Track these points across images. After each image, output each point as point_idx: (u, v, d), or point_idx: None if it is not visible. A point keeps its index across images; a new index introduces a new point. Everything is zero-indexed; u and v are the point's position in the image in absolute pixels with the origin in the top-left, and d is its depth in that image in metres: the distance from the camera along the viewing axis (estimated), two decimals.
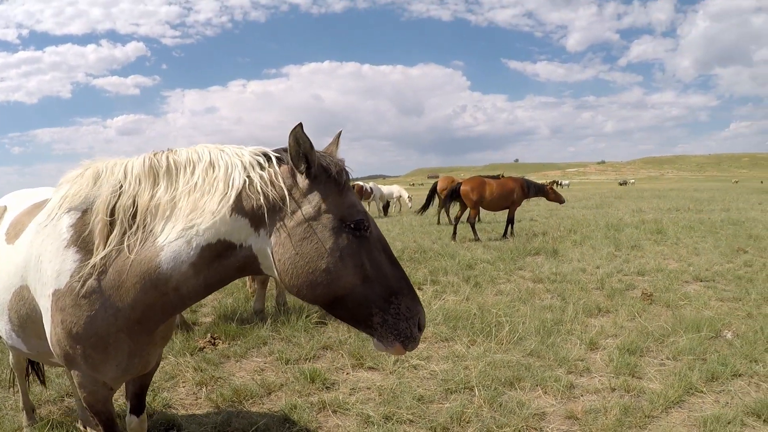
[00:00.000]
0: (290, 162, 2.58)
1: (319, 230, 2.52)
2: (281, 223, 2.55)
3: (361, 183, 32.45)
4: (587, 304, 8.52)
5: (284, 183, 2.58)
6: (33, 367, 5.08)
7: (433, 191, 23.75)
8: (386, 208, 32.63)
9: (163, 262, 2.61)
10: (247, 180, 2.59)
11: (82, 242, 2.79)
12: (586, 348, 6.63)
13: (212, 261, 2.62)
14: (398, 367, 6.07)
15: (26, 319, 3.19)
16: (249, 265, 2.69)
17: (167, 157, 2.75)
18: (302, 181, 2.59)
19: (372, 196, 32.00)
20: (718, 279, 10.43)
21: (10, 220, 3.56)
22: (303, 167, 2.56)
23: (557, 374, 5.77)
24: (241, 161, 2.65)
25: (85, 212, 2.85)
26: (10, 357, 4.84)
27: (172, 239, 2.60)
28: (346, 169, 2.70)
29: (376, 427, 4.74)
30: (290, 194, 2.57)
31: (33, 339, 3.27)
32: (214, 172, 2.64)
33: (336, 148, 2.88)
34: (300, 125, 2.44)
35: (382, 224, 24.56)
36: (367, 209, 25.66)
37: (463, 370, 5.93)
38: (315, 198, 2.56)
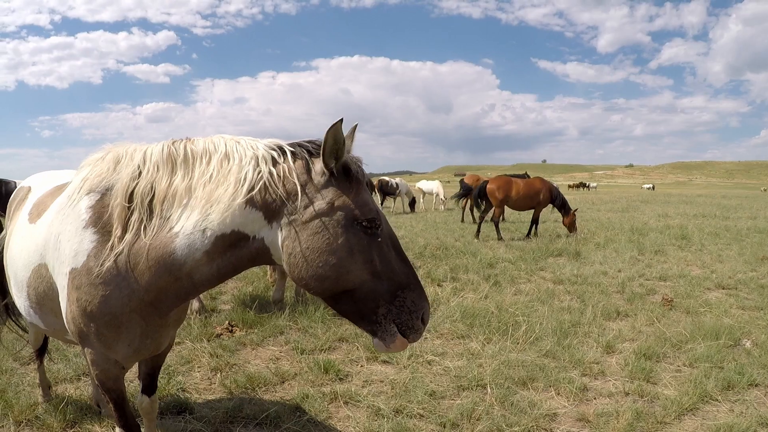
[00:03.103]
0: (321, 157, 2.59)
1: (331, 226, 2.55)
2: (294, 217, 2.59)
3: (387, 178, 32.39)
4: (606, 308, 8.47)
5: (298, 178, 2.62)
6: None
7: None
8: (413, 204, 32.40)
9: (178, 249, 2.67)
10: (259, 174, 2.63)
11: (100, 224, 2.86)
12: (602, 351, 6.59)
13: (225, 250, 2.68)
14: (412, 362, 6.09)
15: (43, 297, 3.28)
16: (261, 257, 2.74)
17: (185, 146, 2.81)
18: (317, 176, 2.62)
19: (398, 191, 31.88)
20: (740, 287, 10.30)
21: (34, 200, 3.67)
22: (333, 164, 2.59)
23: (571, 376, 5.75)
24: (255, 154, 2.69)
25: (104, 195, 2.92)
26: (30, 335, 4.94)
27: (188, 228, 2.66)
28: (362, 167, 2.74)
29: (385, 420, 4.76)
30: (304, 190, 2.60)
31: (50, 316, 3.36)
32: (228, 164, 2.69)
33: (351, 142, 2.87)
34: (340, 121, 2.48)
35: (407, 220, 24.54)
36: (393, 205, 25.56)
37: (477, 367, 5.93)
38: (329, 194, 2.59)
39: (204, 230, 2.63)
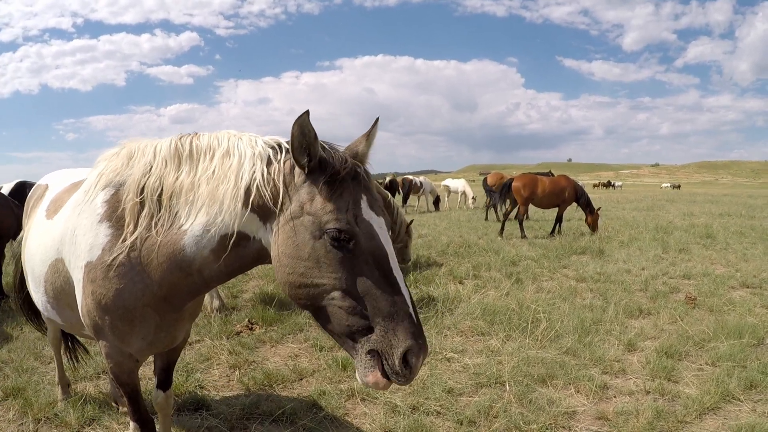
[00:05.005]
0: (291, 152, 2.45)
1: (300, 231, 2.42)
2: (278, 218, 2.51)
3: (411, 177, 32.34)
4: (629, 305, 8.39)
5: (285, 178, 2.53)
6: (68, 345, 5.23)
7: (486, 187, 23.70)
8: (437, 202, 32.46)
9: (187, 246, 2.70)
10: (254, 174, 2.56)
11: (114, 218, 2.89)
12: (623, 349, 6.53)
13: (231, 249, 2.65)
14: (431, 359, 6.08)
15: (60, 291, 3.33)
16: (263, 257, 2.69)
17: (191, 142, 2.80)
18: (298, 176, 2.50)
19: (422, 190, 31.84)
20: (765, 286, 10.13)
21: (51, 197, 3.75)
22: (304, 161, 2.44)
23: (591, 374, 5.70)
24: (253, 152, 2.61)
25: (118, 190, 2.95)
26: (49, 332, 4.99)
27: (195, 226, 2.67)
28: (361, 168, 2.58)
29: (402, 417, 4.74)
30: (287, 190, 2.50)
31: (66, 310, 3.42)
32: (229, 160, 2.65)
33: (368, 141, 2.70)
34: (307, 113, 2.30)
35: (431, 219, 24.48)
36: (417, 203, 25.46)
37: (496, 364, 5.90)
38: (302, 196, 2.47)
39: (209, 229, 2.63)
